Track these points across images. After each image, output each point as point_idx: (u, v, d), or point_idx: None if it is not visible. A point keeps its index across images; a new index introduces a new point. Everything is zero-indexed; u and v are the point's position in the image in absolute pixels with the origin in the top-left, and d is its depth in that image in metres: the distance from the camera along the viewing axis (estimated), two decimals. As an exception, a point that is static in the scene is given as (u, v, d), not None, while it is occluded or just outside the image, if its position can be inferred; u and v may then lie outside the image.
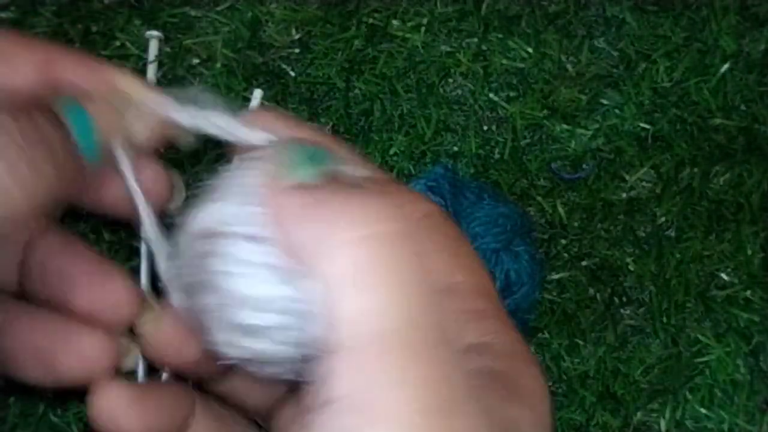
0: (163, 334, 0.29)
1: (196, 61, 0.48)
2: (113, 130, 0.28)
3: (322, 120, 0.48)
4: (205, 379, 0.30)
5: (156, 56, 0.46)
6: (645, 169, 0.48)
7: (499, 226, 0.42)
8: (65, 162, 0.26)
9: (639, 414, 0.46)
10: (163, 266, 0.29)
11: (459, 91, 0.49)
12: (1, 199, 0.24)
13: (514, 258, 0.42)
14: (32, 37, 0.30)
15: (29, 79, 0.28)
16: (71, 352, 0.29)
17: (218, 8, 0.48)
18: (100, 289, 0.30)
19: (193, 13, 0.48)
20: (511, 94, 0.49)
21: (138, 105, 0.28)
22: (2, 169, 0.24)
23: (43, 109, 0.27)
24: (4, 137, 0.24)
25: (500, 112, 0.48)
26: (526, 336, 0.45)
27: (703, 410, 0.46)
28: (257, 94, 0.47)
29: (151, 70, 0.46)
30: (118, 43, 0.47)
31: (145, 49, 0.47)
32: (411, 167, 0.47)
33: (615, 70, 0.49)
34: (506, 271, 0.42)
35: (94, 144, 0.27)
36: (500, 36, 0.49)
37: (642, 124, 0.48)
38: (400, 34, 0.49)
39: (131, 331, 0.32)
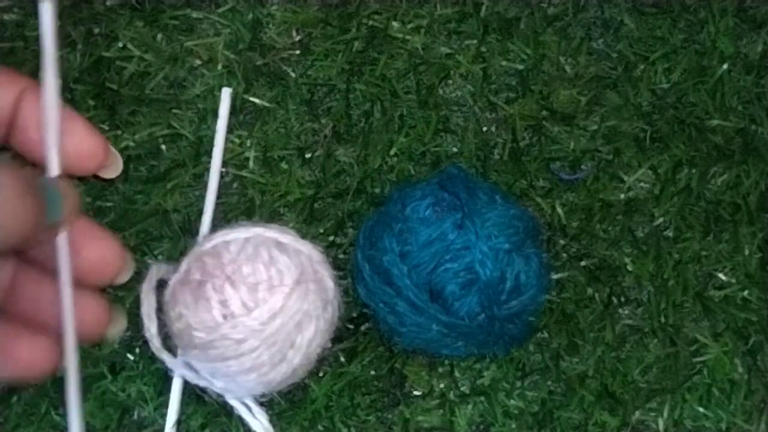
0: None
1: (197, 62, 0.48)
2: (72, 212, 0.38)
3: (323, 121, 0.48)
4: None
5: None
6: (643, 169, 0.48)
7: (512, 227, 0.42)
8: (40, 216, 0.35)
9: (637, 413, 0.46)
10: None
11: (458, 93, 0.49)
12: (10, 223, 0.33)
13: (525, 260, 0.42)
14: (13, 71, 0.41)
15: (5, 109, 0.39)
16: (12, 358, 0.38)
17: (219, 10, 0.48)
18: (88, 249, 0.40)
19: (194, 14, 0.48)
20: (511, 95, 0.49)
21: None
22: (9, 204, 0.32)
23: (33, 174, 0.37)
24: (15, 182, 0.33)
25: (499, 113, 0.49)
26: (529, 337, 0.46)
27: (701, 409, 0.46)
28: (225, 93, 0.47)
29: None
30: (120, 45, 0.48)
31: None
32: (411, 168, 0.48)
33: (613, 72, 0.49)
34: (517, 273, 0.42)
35: (58, 217, 0.37)
36: (499, 38, 0.49)
37: (640, 125, 0.49)
38: (399, 35, 0.49)
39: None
